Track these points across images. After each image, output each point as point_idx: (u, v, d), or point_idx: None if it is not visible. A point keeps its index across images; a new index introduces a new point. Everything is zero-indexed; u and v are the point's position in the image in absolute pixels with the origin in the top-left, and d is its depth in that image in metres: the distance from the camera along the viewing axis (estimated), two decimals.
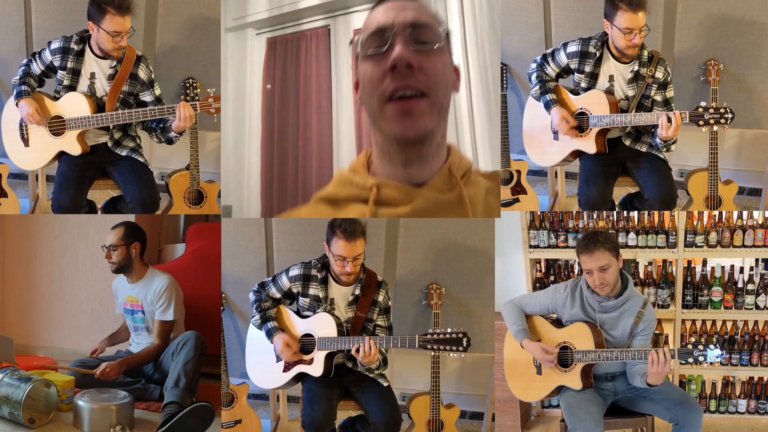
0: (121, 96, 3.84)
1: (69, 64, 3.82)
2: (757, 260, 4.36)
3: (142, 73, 3.88)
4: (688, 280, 4.27)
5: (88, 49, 3.83)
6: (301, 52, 4.72)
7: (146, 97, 3.91)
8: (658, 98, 3.81)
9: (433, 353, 3.89)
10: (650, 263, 4.52)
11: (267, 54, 4.90)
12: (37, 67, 3.89)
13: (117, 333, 4.24)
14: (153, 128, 3.91)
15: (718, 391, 4.39)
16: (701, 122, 3.66)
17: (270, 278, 3.71)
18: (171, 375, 3.67)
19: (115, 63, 3.83)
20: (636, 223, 4.28)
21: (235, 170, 5.02)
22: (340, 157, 4.70)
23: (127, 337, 4.16)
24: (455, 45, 4.08)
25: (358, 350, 3.44)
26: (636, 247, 4.24)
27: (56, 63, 3.84)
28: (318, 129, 4.71)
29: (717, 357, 3.23)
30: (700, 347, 3.25)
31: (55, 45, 3.84)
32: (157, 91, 3.94)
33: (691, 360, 3.25)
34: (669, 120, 3.61)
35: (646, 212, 4.22)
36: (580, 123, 3.84)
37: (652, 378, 3.26)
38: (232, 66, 4.99)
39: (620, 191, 4.08)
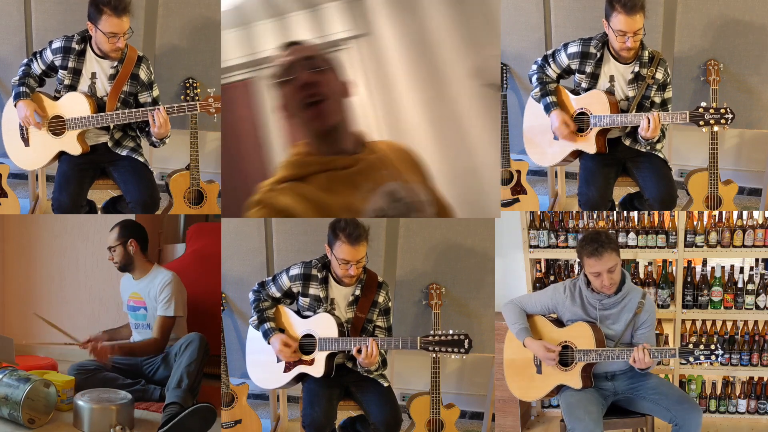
0: (122, 96, 3.84)
1: (70, 64, 3.82)
2: (757, 260, 4.36)
3: (143, 74, 3.87)
4: (688, 280, 4.27)
5: (89, 48, 3.83)
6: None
7: (145, 98, 3.91)
8: (657, 99, 3.81)
9: (434, 355, 3.90)
10: (650, 263, 4.52)
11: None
12: (37, 67, 3.88)
13: (118, 329, 4.23)
14: (142, 129, 3.92)
15: (718, 391, 4.39)
16: (701, 122, 3.67)
17: (270, 278, 3.70)
18: (173, 376, 3.67)
19: (116, 63, 3.83)
20: (636, 223, 4.28)
21: None
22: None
23: (128, 335, 4.16)
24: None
25: (359, 351, 3.45)
26: (636, 247, 4.24)
27: (57, 62, 3.83)
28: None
29: (718, 358, 3.26)
30: (701, 347, 3.27)
31: (56, 44, 3.84)
32: (155, 93, 3.94)
33: (692, 359, 3.27)
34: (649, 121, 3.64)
35: (646, 212, 4.22)
36: (580, 123, 3.85)
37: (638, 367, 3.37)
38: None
39: (620, 191, 4.08)
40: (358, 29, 4.44)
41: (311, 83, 2.49)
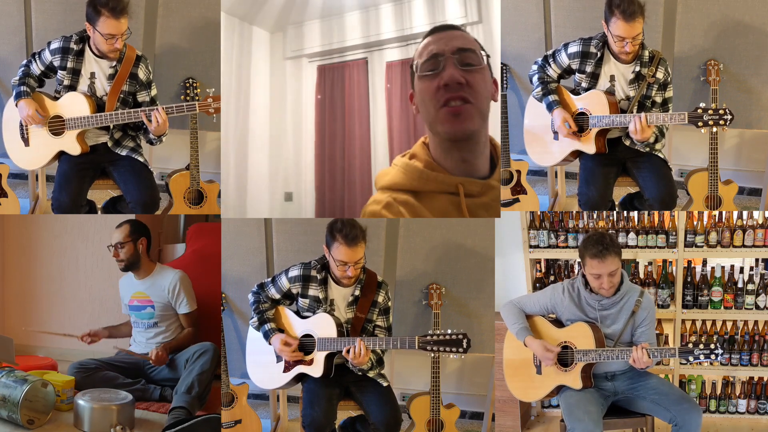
0: (121, 96, 3.84)
1: (69, 64, 3.82)
2: (757, 260, 4.36)
3: (142, 74, 3.88)
4: (688, 280, 4.27)
5: (87, 48, 3.83)
6: (345, 77, 5.72)
7: (143, 97, 3.91)
8: (658, 99, 3.81)
9: (433, 354, 3.90)
10: (650, 263, 4.52)
11: (318, 77, 5.86)
12: (36, 68, 3.89)
13: (118, 326, 4.23)
14: (140, 127, 3.93)
15: (718, 391, 4.39)
16: (700, 123, 3.66)
17: (269, 279, 3.71)
18: (184, 381, 3.69)
19: (115, 63, 3.83)
20: (636, 223, 4.28)
21: (296, 165, 5.95)
22: (377, 156, 5.56)
23: (128, 333, 4.17)
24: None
25: (349, 351, 3.45)
26: (636, 247, 4.24)
27: (56, 63, 3.84)
28: (359, 135, 5.64)
29: (717, 357, 3.26)
30: (701, 346, 3.27)
31: (54, 45, 3.84)
32: (153, 92, 3.94)
33: (691, 359, 3.27)
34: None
35: (646, 212, 4.22)
36: (580, 123, 3.84)
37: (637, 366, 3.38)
38: (290, 87, 5.94)
39: (620, 191, 4.08)
40: (472, 17, 4.65)
41: (459, 83, 2.07)
